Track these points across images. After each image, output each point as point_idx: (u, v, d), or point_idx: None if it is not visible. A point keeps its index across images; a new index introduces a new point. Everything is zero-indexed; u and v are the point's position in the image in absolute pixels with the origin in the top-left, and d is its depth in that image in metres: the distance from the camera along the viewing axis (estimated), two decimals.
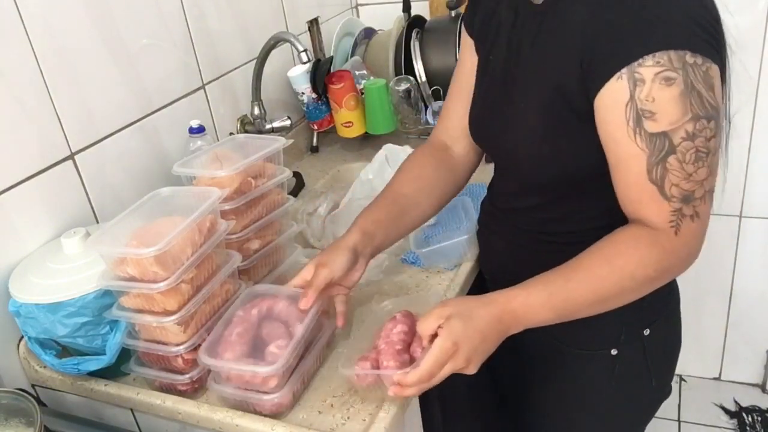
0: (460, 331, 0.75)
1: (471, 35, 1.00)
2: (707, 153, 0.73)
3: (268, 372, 0.81)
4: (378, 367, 0.81)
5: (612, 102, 0.74)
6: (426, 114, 1.56)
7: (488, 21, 0.95)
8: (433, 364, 0.75)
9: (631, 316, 0.93)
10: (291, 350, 0.83)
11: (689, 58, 0.70)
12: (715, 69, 0.73)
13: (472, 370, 0.78)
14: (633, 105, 0.72)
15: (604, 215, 0.85)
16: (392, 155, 1.41)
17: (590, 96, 0.76)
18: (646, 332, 0.96)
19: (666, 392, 1.07)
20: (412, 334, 0.85)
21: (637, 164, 0.74)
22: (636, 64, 0.71)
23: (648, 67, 0.71)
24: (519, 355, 1.06)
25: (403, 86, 1.54)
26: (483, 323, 0.77)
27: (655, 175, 0.74)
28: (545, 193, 0.92)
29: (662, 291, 0.85)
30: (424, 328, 0.77)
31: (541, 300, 0.78)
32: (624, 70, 0.72)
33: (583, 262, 0.79)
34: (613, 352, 0.96)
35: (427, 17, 1.75)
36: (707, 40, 0.72)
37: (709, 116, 0.72)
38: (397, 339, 0.84)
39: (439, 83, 1.56)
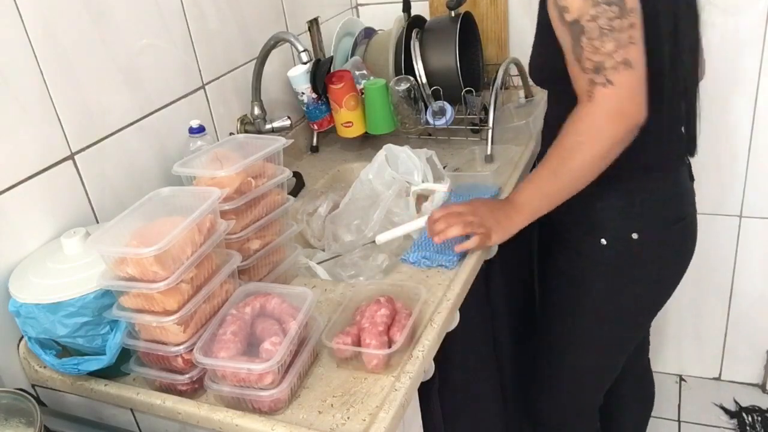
0: (467, 202, 1.12)
1: None
2: (611, 30, 0.93)
3: (264, 368, 0.81)
4: (359, 343, 0.91)
5: (549, 7, 1.00)
6: (426, 114, 1.56)
7: None
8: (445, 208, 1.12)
9: (619, 214, 1.13)
10: (285, 346, 0.84)
11: None
12: None
13: (481, 228, 1.08)
14: (555, 4, 0.98)
15: None
16: (392, 155, 1.41)
17: (545, 10, 1.01)
18: (634, 236, 1.13)
19: (650, 309, 1.25)
20: (392, 319, 0.95)
21: (568, 49, 0.98)
22: None
23: None
24: (540, 245, 1.37)
25: (403, 86, 1.54)
26: (485, 200, 1.14)
27: (576, 54, 0.97)
28: (550, 91, 1.19)
29: (653, 205, 1.12)
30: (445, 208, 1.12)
31: (521, 187, 1.09)
32: None
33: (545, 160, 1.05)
34: (603, 241, 1.15)
35: (427, 17, 1.75)
36: None
37: (609, 2, 0.92)
38: (380, 321, 0.93)
39: (439, 83, 1.56)
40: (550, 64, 1.08)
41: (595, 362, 1.32)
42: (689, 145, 1.17)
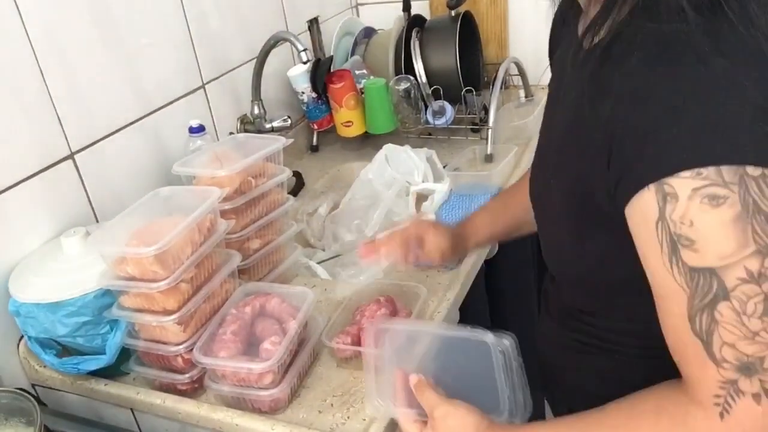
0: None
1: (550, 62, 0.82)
2: None
3: (263, 368, 0.81)
4: (359, 343, 0.91)
5: (640, 218, 0.55)
6: (426, 113, 1.56)
7: (566, 51, 0.71)
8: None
9: None
10: (285, 346, 0.84)
11: (752, 170, 0.49)
12: None
13: None
14: (664, 226, 0.52)
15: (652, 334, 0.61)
16: (392, 155, 1.41)
17: (618, 204, 0.56)
18: None
19: None
20: (392, 317, 0.95)
21: (677, 305, 0.54)
22: (669, 176, 0.51)
23: (683, 179, 0.50)
24: None
25: (403, 86, 1.54)
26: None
27: (699, 326, 0.53)
28: (577, 289, 0.76)
29: None
30: (427, 399, 0.71)
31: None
32: (652, 184, 0.52)
33: (591, 426, 0.63)
34: None
35: (427, 17, 1.75)
36: None
37: None
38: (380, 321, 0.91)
39: (439, 83, 1.56)
40: (599, 274, 0.69)
41: None
42: None
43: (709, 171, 0.49)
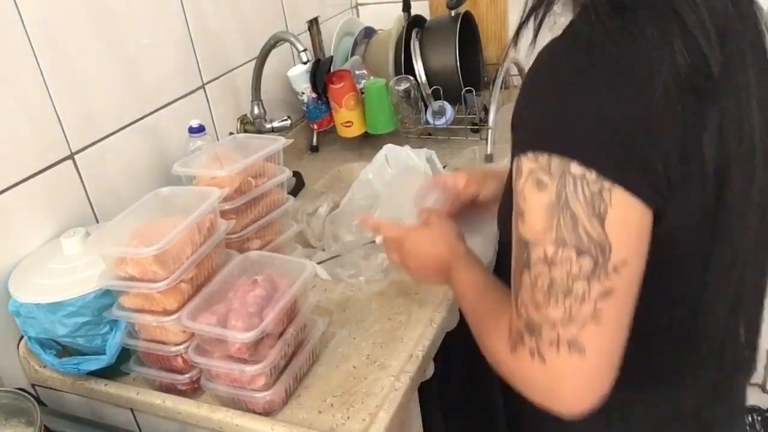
0: (413, 248, 0.90)
1: None
2: (568, 293, 0.56)
3: (256, 370, 0.81)
4: (225, 325, 0.81)
5: (512, 173, 0.63)
6: (426, 114, 1.56)
7: None
8: (390, 235, 0.93)
9: None
10: (278, 349, 0.84)
11: (576, 168, 0.55)
12: (624, 200, 0.55)
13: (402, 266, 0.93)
14: (515, 194, 0.61)
15: None
16: (392, 155, 1.41)
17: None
18: None
19: None
20: (268, 300, 0.84)
21: (513, 257, 0.63)
22: (521, 153, 0.59)
23: (527, 161, 0.58)
24: None
25: (403, 86, 1.54)
26: (430, 258, 0.88)
27: (515, 280, 0.62)
28: None
29: None
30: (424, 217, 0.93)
31: (463, 277, 0.84)
32: (515, 157, 0.61)
33: (488, 293, 0.76)
34: None
35: (427, 17, 1.75)
36: (627, 160, 0.55)
37: (582, 250, 0.55)
38: (252, 302, 0.83)
39: (439, 83, 1.56)
40: None
41: None
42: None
43: (543, 158, 0.57)
